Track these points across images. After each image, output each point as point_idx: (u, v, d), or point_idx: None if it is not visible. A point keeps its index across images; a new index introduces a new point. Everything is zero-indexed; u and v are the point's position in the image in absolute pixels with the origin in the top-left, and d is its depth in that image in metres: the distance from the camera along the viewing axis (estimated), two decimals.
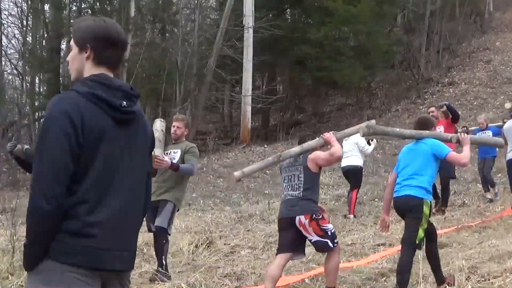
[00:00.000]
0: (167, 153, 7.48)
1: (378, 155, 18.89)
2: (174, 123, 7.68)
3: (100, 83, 2.82)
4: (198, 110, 24.99)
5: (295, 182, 6.52)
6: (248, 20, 23.97)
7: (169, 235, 7.66)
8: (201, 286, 7.26)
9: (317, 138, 6.74)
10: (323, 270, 7.08)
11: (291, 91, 29.42)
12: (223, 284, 7.41)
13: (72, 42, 2.97)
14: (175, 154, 7.50)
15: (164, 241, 7.40)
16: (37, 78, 30.66)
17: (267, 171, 18.36)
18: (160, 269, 7.27)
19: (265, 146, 22.95)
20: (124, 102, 2.83)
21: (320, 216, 6.36)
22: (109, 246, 2.77)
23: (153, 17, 27.14)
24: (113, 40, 2.90)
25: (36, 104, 29.67)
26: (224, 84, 27.47)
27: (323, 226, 6.33)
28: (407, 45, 29.16)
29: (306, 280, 7.40)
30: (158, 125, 7.21)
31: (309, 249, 9.07)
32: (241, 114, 25.01)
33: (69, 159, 2.66)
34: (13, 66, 34.97)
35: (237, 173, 6.80)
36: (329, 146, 6.76)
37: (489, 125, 12.97)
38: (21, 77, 33.10)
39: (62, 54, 27.12)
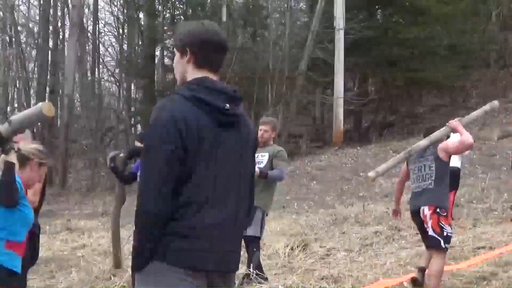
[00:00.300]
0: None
1: (474, 156, 18.41)
2: (260, 127, 7.53)
3: (203, 86, 2.85)
4: (290, 113, 25.05)
5: (426, 172, 6.42)
6: (339, 22, 23.84)
7: (260, 239, 7.66)
8: None
9: (443, 128, 6.57)
10: None
11: (383, 92, 29.05)
12: (320, 287, 7.42)
13: (174, 48, 3.04)
14: (263, 158, 7.38)
15: (255, 250, 7.38)
16: (132, 84, 31.48)
17: (360, 173, 18.22)
18: (257, 271, 7.30)
19: (358, 148, 22.76)
20: (228, 105, 2.85)
21: (445, 214, 6.26)
22: (214, 248, 2.80)
23: (244, 21, 27.42)
24: (213, 42, 2.92)
25: (132, 109, 30.49)
26: (316, 87, 27.42)
27: (442, 224, 6.23)
28: (502, 43, 28.30)
29: (405, 284, 7.30)
30: None
31: (407, 251, 9.00)
32: (333, 116, 24.90)
33: (175, 163, 2.71)
34: (110, 73, 36.08)
35: (371, 173, 6.67)
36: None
37: None
38: (118, 83, 34.12)
39: (156, 61, 27.75)
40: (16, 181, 4.16)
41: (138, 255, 2.80)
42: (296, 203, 14.85)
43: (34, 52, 33.04)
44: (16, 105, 34.41)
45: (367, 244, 9.84)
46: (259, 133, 7.41)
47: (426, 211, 6.24)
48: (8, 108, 31.90)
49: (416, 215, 6.47)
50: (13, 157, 4.16)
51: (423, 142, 6.51)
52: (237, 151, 2.93)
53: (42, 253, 11.47)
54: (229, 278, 3.01)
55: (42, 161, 4.47)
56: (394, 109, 30.94)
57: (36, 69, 31.47)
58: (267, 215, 7.70)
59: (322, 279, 7.71)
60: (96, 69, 34.76)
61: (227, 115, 2.87)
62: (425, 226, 6.30)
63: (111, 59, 37.36)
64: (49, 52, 28.94)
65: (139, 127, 31.02)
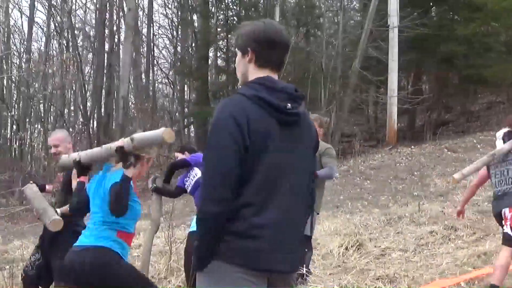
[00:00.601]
0: None
1: None
2: None
3: (264, 85, 2.85)
4: (343, 112, 24.92)
5: (509, 175, 6.35)
6: (393, 19, 23.61)
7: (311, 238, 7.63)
8: None
9: None
10: (479, 274, 6.91)
11: (437, 90, 28.63)
12: (375, 287, 7.37)
13: (236, 48, 3.05)
14: None
15: (306, 250, 7.37)
16: (186, 86, 31.76)
17: (415, 172, 18.02)
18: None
19: (412, 147, 22.50)
20: (289, 104, 2.85)
21: None
22: (275, 248, 2.80)
23: (297, 21, 27.41)
24: (273, 41, 2.92)
25: (186, 111, 30.77)
26: (369, 86, 27.22)
27: None
28: None
29: (462, 284, 7.21)
30: None
31: (464, 251, 8.87)
32: (387, 115, 24.68)
33: (236, 163, 2.71)
34: (164, 75, 36.52)
35: (456, 175, 6.59)
36: None
37: None
38: (171, 85, 34.49)
39: (210, 62, 27.95)
40: (128, 193, 4.53)
41: (200, 255, 2.82)
42: (350, 203, 14.77)
43: (90, 56, 33.68)
44: (72, 107, 35.10)
45: (423, 244, 9.73)
46: None
47: (507, 212, 6.18)
48: (66, 111, 32.56)
49: (498, 217, 6.42)
50: (130, 171, 4.55)
51: (506, 146, 6.42)
52: (298, 150, 2.91)
53: None
54: (289, 278, 3.02)
55: (149, 157, 4.83)
56: (449, 107, 30.51)
57: (92, 72, 32.02)
58: (317, 214, 7.69)
59: (378, 279, 7.66)
60: (151, 71, 35.24)
61: (289, 114, 2.86)
62: (504, 224, 6.23)
63: (165, 61, 37.89)
64: (105, 55, 29.41)
65: (192, 128, 31.31)
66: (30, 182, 6.22)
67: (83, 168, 4.83)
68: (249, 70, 2.95)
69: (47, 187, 6.37)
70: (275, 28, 2.97)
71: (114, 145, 4.55)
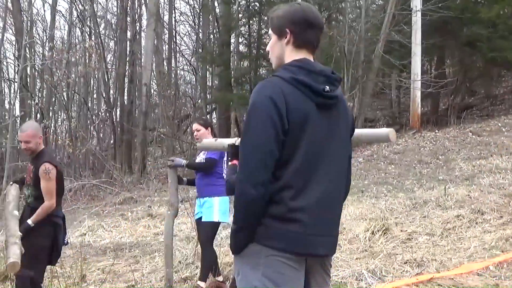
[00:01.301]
0: None
1: None
2: None
3: (302, 68, 2.83)
4: (366, 97, 24.80)
5: None
6: (416, 3, 23.39)
7: None
8: (381, 272, 7.29)
9: None
10: (508, 257, 6.88)
11: (461, 74, 28.39)
12: (403, 271, 7.38)
13: (270, 32, 3.03)
14: None
15: None
16: (208, 72, 31.78)
17: (439, 156, 17.92)
18: None
19: (436, 131, 22.37)
20: (327, 87, 2.84)
21: None
22: (313, 232, 2.80)
23: (319, 6, 27.21)
24: (311, 22, 2.91)
25: (208, 97, 30.80)
26: (392, 70, 27.04)
27: None
28: None
29: (491, 267, 7.19)
30: None
31: (491, 235, 8.84)
32: (410, 100, 24.53)
33: (274, 146, 2.70)
34: (186, 62, 36.57)
35: None
36: None
37: None
38: (193, 72, 34.54)
39: (232, 48, 27.90)
40: None
41: (237, 238, 2.83)
42: (374, 187, 14.74)
43: (112, 43, 33.81)
44: (95, 95, 35.31)
45: (449, 228, 9.71)
46: None
47: None
48: (89, 98, 32.74)
49: None
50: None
51: None
52: (336, 133, 2.90)
53: (126, 238, 11.85)
54: (326, 261, 3.03)
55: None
56: (473, 91, 30.27)
57: (114, 59, 32.15)
58: None
59: (406, 263, 7.68)
60: (173, 58, 35.28)
61: (327, 97, 2.85)
62: None
63: (186, 47, 37.94)
64: (127, 42, 29.50)
65: (214, 114, 31.35)
66: (11, 183, 6.37)
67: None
68: (286, 52, 2.94)
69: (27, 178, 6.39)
70: (311, 9, 2.96)
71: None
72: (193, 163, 7.78)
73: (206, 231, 7.37)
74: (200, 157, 7.59)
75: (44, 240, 6.07)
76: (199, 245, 8.84)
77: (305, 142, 2.78)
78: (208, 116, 29.62)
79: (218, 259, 7.69)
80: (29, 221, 5.95)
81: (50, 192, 6.01)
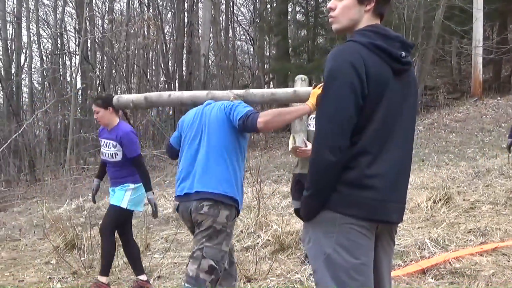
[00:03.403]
0: None
1: None
2: None
3: (378, 33, 2.82)
4: (426, 64, 24.43)
5: None
6: None
7: None
8: (444, 241, 7.24)
9: None
10: None
11: None
12: (467, 240, 7.32)
13: None
14: None
15: None
16: (265, 42, 31.72)
17: (502, 124, 17.59)
18: None
19: (498, 98, 21.92)
20: (403, 53, 2.82)
21: None
22: (387, 198, 2.79)
23: None
24: None
25: (266, 67, 30.78)
26: (452, 36, 26.51)
27: None
28: None
29: None
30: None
31: None
32: (472, 66, 24.04)
33: (353, 111, 2.69)
34: (243, 32, 36.56)
35: None
36: None
37: None
38: (251, 41, 34.51)
39: (289, 17, 27.75)
40: None
41: (310, 205, 2.81)
42: (435, 156, 14.58)
43: (170, 14, 33.98)
44: (154, 67, 35.64)
45: None
46: None
47: None
48: (148, 70, 33.08)
49: None
50: None
51: None
52: (407, 99, 2.90)
53: None
54: (393, 228, 3.03)
55: None
56: None
57: (172, 30, 32.34)
58: None
59: (469, 232, 7.61)
60: (230, 28, 35.31)
61: (403, 63, 2.84)
62: None
63: (243, 17, 37.90)
64: (185, 13, 29.61)
65: (272, 84, 31.34)
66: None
67: None
68: (362, 18, 2.91)
69: None
70: None
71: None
72: None
73: (110, 216, 6.47)
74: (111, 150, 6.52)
75: None
76: (260, 215, 8.94)
77: (383, 108, 2.76)
78: (265, 87, 29.57)
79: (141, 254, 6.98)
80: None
81: None
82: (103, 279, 6.38)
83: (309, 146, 5.14)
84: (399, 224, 7.61)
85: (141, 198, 6.50)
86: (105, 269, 6.41)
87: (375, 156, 2.76)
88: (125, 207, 6.34)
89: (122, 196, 6.36)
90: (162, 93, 5.38)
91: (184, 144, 4.67)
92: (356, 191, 2.74)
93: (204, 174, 4.41)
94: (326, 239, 2.78)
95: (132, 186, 6.38)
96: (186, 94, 5.23)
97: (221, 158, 4.41)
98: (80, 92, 29.94)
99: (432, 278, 6.01)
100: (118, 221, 6.43)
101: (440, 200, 9.50)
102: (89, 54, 30.99)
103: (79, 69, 26.49)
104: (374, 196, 2.75)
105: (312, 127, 6.01)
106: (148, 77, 32.07)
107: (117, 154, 6.40)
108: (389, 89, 2.78)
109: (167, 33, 32.20)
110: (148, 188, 6.28)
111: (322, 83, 2.85)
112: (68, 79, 34.70)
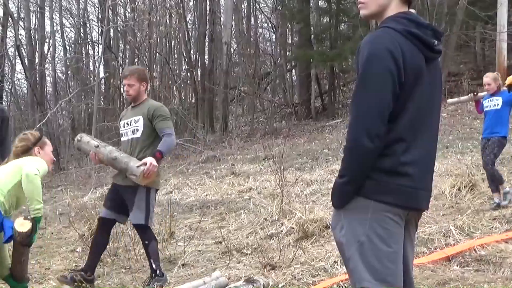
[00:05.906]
0: None
1: None
2: None
3: (412, 20, 2.81)
4: (450, 50, 24.20)
5: None
6: None
7: None
8: (469, 228, 7.22)
9: None
10: None
11: None
12: (492, 227, 7.29)
13: None
14: None
15: None
16: (287, 29, 31.61)
17: None
18: None
19: None
20: (436, 41, 2.82)
21: None
22: (419, 185, 2.81)
23: None
24: None
25: (288, 54, 30.68)
26: (476, 21, 26.22)
27: None
28: None
29: None
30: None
31: None
32: (496, 52, 23.75)
33: (391, 98, 2.68)
34: (265, 19, 36.48)
35: None
36: None
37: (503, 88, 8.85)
38: (273, 29, 34.41)
39: (311, 4, 27.59)
40: None
41: (344, 191, 2.81)
42: (460, 143, 14.49)
43: (192, 3, 33.98)
44: (176, 55, 35.70)
45: None
46: None
47: None
48: (171, 59, 33.14)
49: None
50: None
51: None
52: (436, 87, 2.90)
53: (211, 196, 12.07)
54: (420, 216, 3.06)
55: None
56: None
57: (195, 19, 32.35)
58: None
59: (494, 219, 7.57)
60: (252, 16, 35.25)
61: (435, 51, 2.84)
62: None
63: (265, 5, 37.79)
64: (207, 1, 29.58)
65: (294, 72, 31.26)
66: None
67: None
68: (391, 5, 2.88)
69: None
70: None
71: None
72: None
73: None
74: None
75: None
76: (283, 203, 8.95)
77: (417, 96, 2.77)
78: (287, 74, 29.36)
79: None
80: None
81: None
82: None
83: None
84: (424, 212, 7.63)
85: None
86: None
87: (409, 143, 2.76)
88: None
89: None
90: None
91: None
92: (389, 178, 2.74)
93: None
94: (360, 226, 2.77)
95: None
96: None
97: None
98: (103, 81, 30.11)
99: (457, 266, 5.99)
100: None
101: (464, 187, 9.47)
102: (112, 43, 31.12)
103: (102, 58, 26.60)
104: (409, 184, 2.76)
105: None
106: (171, 65, 32.13)
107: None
108: (423, 77, 2.79)
109: (189, 21, 32.19)
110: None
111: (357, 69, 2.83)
112: (91, 68, 34.93)
